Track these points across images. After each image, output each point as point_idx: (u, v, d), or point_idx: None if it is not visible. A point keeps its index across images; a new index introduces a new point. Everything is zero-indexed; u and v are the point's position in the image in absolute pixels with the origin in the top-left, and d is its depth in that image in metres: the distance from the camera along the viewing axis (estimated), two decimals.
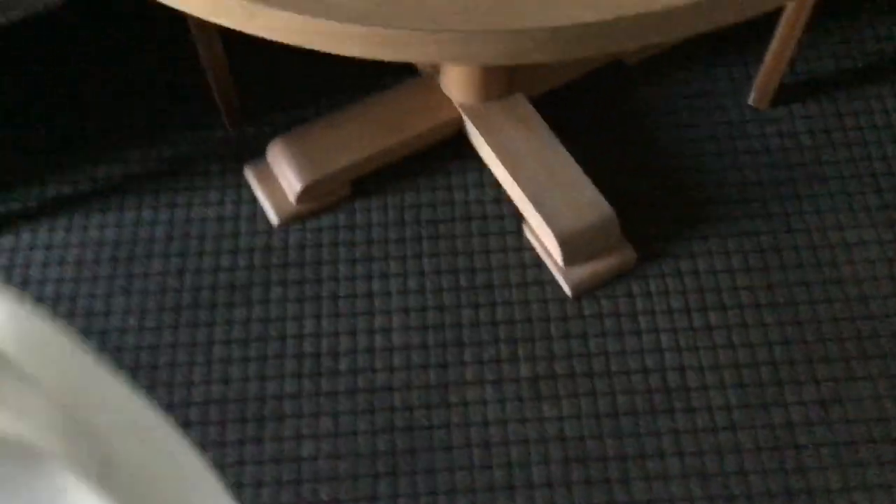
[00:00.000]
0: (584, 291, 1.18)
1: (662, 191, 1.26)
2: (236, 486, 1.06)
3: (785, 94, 1.32)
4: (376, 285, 1.19)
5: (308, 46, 0.60)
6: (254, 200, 1.26)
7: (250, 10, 0.59)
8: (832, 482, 1.04)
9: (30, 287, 1.19)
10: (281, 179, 1.25)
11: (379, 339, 1.15)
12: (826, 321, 1.14)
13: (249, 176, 1.28)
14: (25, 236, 1.23)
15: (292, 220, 1.25)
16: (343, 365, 1.14)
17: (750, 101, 1.32)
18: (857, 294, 1.16)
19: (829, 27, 1.40)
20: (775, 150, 1.28)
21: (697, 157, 1.28)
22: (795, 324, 1.15)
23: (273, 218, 1.24)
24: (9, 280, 1.20)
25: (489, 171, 1.27)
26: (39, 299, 1.18)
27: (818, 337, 1.14)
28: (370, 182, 1.27)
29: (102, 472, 0.27)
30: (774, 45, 1.25)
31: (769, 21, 1.25)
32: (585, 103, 1.34)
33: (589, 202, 1.18)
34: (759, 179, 1.26)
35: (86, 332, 1.16)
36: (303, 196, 1.23)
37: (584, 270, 1.18)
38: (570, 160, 1.21)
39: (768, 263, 1.19)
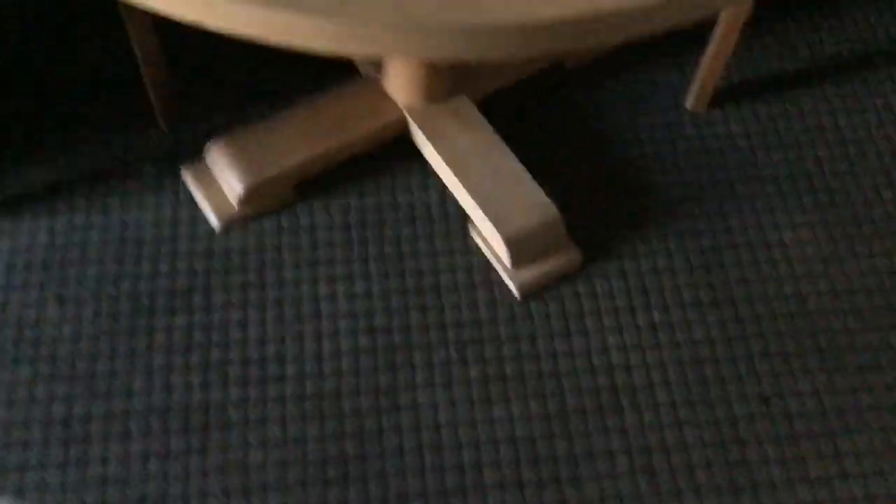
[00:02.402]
0: (532, 293, 1.18)
1: (605, 192, 1.27)
2: (182, 498, 1.03)
3: (721, 98, 1.36)
4: (322, 289, 1.18)
5: (265, 40, 0.58)
6: (192, 203, 1.23)
7: (209, 1, 0.57)
8: (775, 476, 1.07)
9: None
10: (221, 182, 1.22)
11: (326, 344, 1.14)
12: (765, 318, 1.17)
13: (187, 178, 1.24)
14: None
15: (234, 224, 1.22)
16: (290, 370, 1.12)
17: (687, 105, 1.35)
18: (794, 291, 1.20)
19: (763, 32, 1.44)
20: (713, 151, 1.31)
21: (638, 159, 1.30)
22: (736, 321, 1.17)
23: (214, 221, 1.21)
24: None
25: (434, 172, 1.27)
26: None
27: (758, 333, 1.16)
28: (314, 184, 1.25)
29: None
30: (711, 49, 1.28)
31: (705, 26, 1.28)
32: (528, 106, 1.34)
33: (534, 203, 1.19)
34: (698, 181, 1.29)
35: (18, 342, 1.11)
36: (245, 199, 1.20)
37: (532, 272, 1.19)
38: (515, 161, 1.21)
39: (709, 262, 1.22)
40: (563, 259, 1.19)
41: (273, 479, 1.05)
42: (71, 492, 1.03)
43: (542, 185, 1.19)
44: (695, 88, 1.34)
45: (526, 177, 1.20)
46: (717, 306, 1.18)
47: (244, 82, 1.34)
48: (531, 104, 1.34)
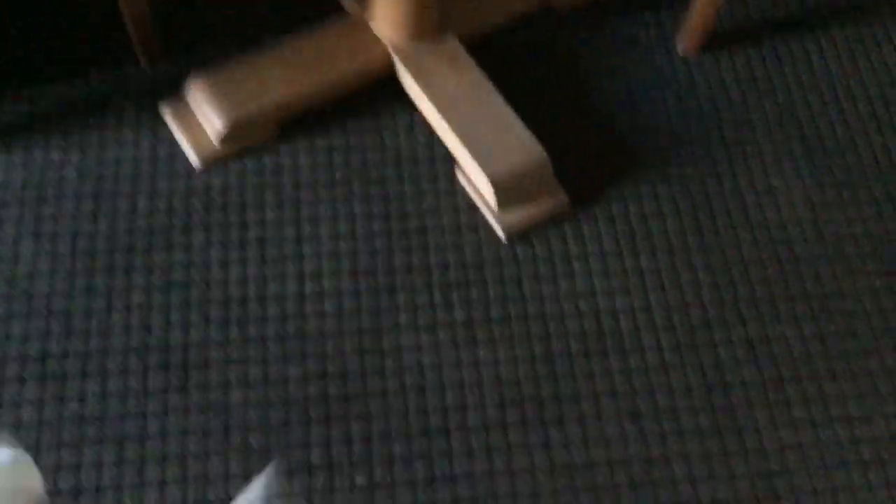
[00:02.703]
0: (518, 235, 1.17)
1: (594, 136, 1.25)
2: (161, 435, 1.01)
3: (713, 43, 1.34)
4: (305, 229, 1.15)
5: None
6: (172, 141, 1.20)
7: None
8: (760, 420, 1.06)
9: None
10: (201, 119, 1.19)
11: (309, 285, 1.12)
12: (752, 263, 1.17)
13: (166, 115, 1.21)
14: None
15: (215, 162, 1.19)
16: (272, 311, 1.10)
17: (679, 50, 1.33)
18: (782, 237, 1.19)
19: None
20: (703, 98, 1.29)
21: (628, 103, 1.28)
22: (723, 266, 1.16)
23: (194, 159, 1.18)
24: None
25: (420, 113, 1.24)
26: None
27: (745, 279, 1.16)
28: (297, 124, 1.22)
29: None
30: None
31: None
32: (516, 49, 1.32)
33: (522, 145, 1.17)
34: (688, 126, 1.27)
35: None
36: (226, 137, 1.17)
37: (518, 214, 1.17)
38: (503, 103, 1.19)
39: (697, 208, 1.20)
40: (551, 202, 1.18)
41: (254, 418, 1.03)
42: (48, 429, 1.01)
43: (530, 128, 1.17)
44: (686, 33, 1.31)
45: (514, 119, 1.18)
46: (704, 251, 1.17)
47: (227, 19, 1.31)
48: (521, 48, 1.32)
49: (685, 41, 1.32)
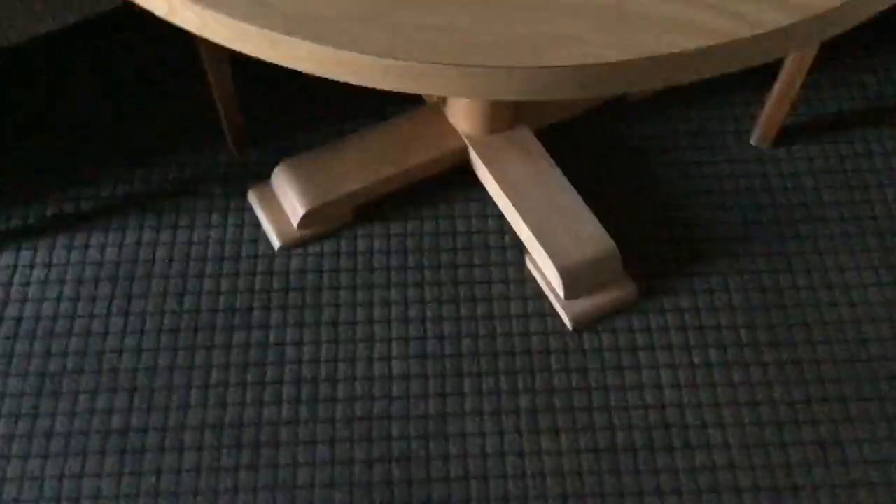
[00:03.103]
0: (585, 325, 1.18)
1: (664, 227, 1.26)
2: None
3: (788, 134, 1.34)
4: (377, 313, 1.19)
5: (329, 77, 0.60)
6: (256, 224, 1.26)
7: (272, 38, 0.59)
8: None
9: (28, 305, 1.19)
10: (284, 203, 1.25)
11: (378, 367, 1.15)
12: (825, 362, 1.15)
13: (253, 199, 1.28)
14: (25, 254, 1.23)
15: (294, 245, 1.25)
16: (341, 392, 1.13)
17: (752, 141, 1.33)
18: (855, 336, 1.16)
19: (832, 68, 1.42)
20: (777, 189, 1.29)
21: (700, 194, 1.29)
22: (794, 363, 1.15)
23: (275, 242, 1.24)
24: (7, 298, 1.19)
25: (493, 201, 1.28)
26: (37, 318, 1.18)
27: (817, 377, 1.14)
28: (373, 209, 1.27)
29: None
30: (779, 85, 1.26)
31: (773, 61, 1.26)
32: (589, 138, 1.34)
33: (591, 236, 1.18)
34: (760, 218, 1.27)
35: (82, 353, 1.15)
36: (305, 221, 1.23)
37: (586, 304, 1.18)
38: (574, 193, 1.21)
39: (769, 302, 1.19)
40: (619, 293, 1.19)
41: (320, 499, 1.06)
42: (124, 501, 1.06)
43: (599, 217, 1.19)
44: (760, 125, 1.32)
45: (583, 209, 1.20)
46: (775, 347, 1.16)
47: (311, 110, 1.38)
48: (592, 136, 1.35)
49: (759, 132, 1.33)
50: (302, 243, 1.25)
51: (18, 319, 1.17)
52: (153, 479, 1.07)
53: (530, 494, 1.06)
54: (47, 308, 1.18)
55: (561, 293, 1.18)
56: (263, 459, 1.08)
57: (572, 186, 1.22)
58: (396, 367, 1.15)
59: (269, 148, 1.33)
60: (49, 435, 1.09)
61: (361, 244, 1.25)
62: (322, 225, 1.25)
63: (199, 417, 1.11)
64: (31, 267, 1.22)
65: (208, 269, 1.23)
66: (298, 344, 1.17)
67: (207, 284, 1.21)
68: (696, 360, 1.15)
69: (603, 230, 1.18)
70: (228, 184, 1.30)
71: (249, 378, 1.14)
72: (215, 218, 1.27)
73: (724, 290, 1.20)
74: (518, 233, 1.23)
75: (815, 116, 1.36)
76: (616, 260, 1.18)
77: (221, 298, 1.20)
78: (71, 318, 1.18)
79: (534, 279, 1.22)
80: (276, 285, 1.21)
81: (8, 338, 1.16)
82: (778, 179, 1.30)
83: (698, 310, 1.19)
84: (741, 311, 1.19)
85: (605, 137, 1.35)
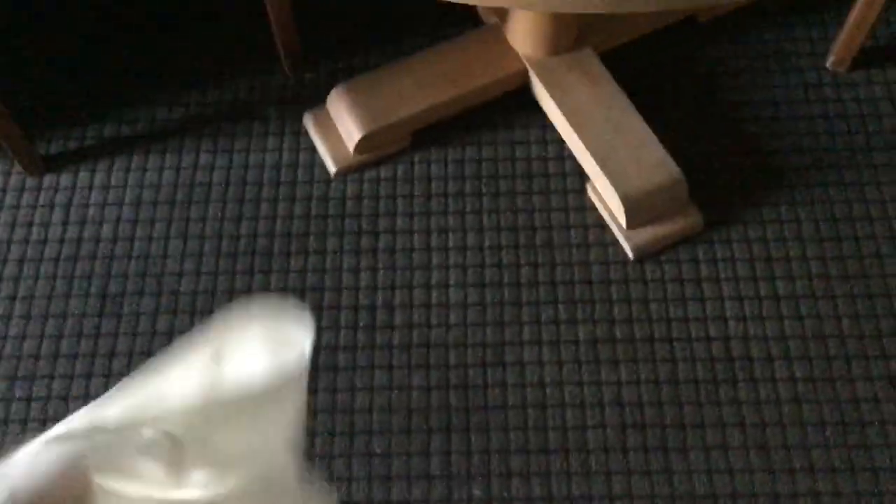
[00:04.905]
0: (648, 255, 1.15)
1: (733, 154, 1.21)
2: None
3: (865, 58, 1.27)
4: (434, 240, 1.17)
5: None
6: (312, 148, 1.24)
7: None
8: None
9: (88, 227, 1.19)
10: (340, 127, 1.23)
11: (435, 295, 1.14)
12: None
13: (308, 123, 1.25)
14: (83, 175, 1.23)
15: (350, 170, 1.23)
16: (398, 319, 1.12)
17: (828, 64, 1.27)
18: None
19: None
20: (852, 115, 1.23)
21: (771, 120, 1.24)
22: (866, 297, 1.11)
23: (331, 167, 1.22)
24: (67, 219, 1.19)
25: (553, 127, 1.24)
26: (97, 240, 1.18)
27: (889, 311, 1.10)
28: (430, 134, 1.24)
29: None
30: (858, 6, 1.19)
31: None
32: (655, 61, 1.29)
33: (656, 163, 1.14)
34: (834, 146, 1.21)
35: (142, 275, 1.16)
36: (361, 145, 1.21)
37: (648, 233, 1.15)
38: (639, 118, 1.17)
39: (840, 233, 1.15)
40: (683, 222, 1.15)
41: (378, 423, 1.06)
42: None
43: (665, 143, 1.14)
44: (837, 47, 1.25)
45: (648, 134, 1.16)
46: (846, 280, 1.12)
47: (367, 32, 1.34)
48: (659, 59, 1.29)
49: (836, 55, 1.26)
50: (358, 168, 1.23)
51: (78, 241, 1.18)
52: None
53: (588, 424, 1.05)
54: (106, 230, 1.19)
55: (623, 222, 1.15)
56: (322, 383, 1.09)
57: (637, 111, 1.17)
58: (454, 295, 1.14)
59: (325, 71, 1.30)
60: (111, 355, 1.11)
61: (418, 170, 1.23)
62: (378, 149, 1.23)
63: None
64: (90, 188, 1.22)
65: (264, 194, 1.21)
66: (355, 270, 1.16)
67: (264, 209, 1.20)
68: (763, 292, 1.12)
69: (668, 156, 1.14)
70: (284, 107, 1.28)
71: (307, 303, 1.14)
72: (271, 142, 1.25)
73: (793, 221, 1.16)
74: (579, 159, 1.20)
75: (893, 40, 1.29)
76: (682, 187, 1.14)
77: (278, 223, 1.19)
78: (130, 240, 1.18)
79: (594, 207, 1.18)
80: (332, 211, 1.20)
81: (68, 259, 1.17)
82: (854, 105, 1.24)
83: (766, 240, 1.15)
84: (811, 242, 1.14)
85: (673, 60, 1.29)
